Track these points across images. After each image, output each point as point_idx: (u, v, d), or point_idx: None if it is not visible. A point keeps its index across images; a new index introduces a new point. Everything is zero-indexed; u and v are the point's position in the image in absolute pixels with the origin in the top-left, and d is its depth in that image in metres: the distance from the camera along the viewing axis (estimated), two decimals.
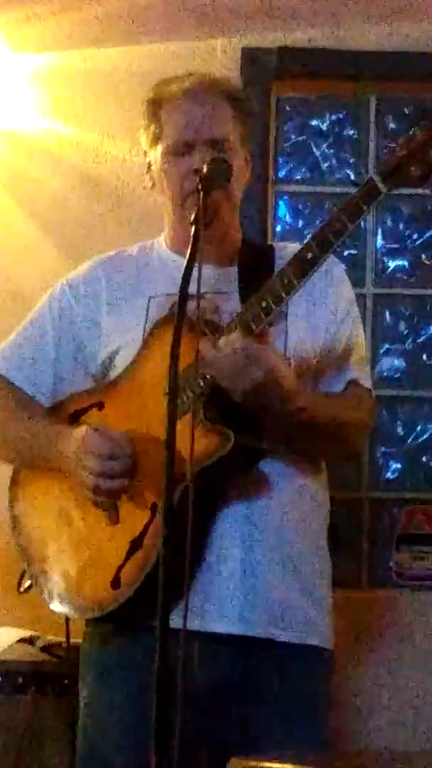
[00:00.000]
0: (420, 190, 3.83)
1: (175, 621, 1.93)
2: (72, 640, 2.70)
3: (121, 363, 2.51)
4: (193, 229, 2.22)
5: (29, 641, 3.19)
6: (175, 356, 2.02)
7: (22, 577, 2.55)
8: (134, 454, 2.36)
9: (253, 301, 2.32)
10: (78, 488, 2.43)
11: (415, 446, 3.91)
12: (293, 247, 2.46)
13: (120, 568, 2.37)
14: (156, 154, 2.54)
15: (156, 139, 2.53)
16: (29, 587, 2.54)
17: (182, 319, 2.06)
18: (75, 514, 2.47)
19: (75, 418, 2.50)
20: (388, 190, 2.27)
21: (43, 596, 2.51)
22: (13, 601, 3.43)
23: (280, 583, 2.42)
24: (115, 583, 2.37)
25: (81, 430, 2.40)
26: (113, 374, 2.53)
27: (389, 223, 3.93)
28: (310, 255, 2.30)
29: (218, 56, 3.70)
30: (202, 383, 2.31)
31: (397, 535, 3.81)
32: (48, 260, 3.63)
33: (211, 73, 2.75)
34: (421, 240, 3.93)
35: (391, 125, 3.92)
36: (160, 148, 2.52)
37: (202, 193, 2.29)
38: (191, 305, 2.25)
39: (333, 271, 2.57)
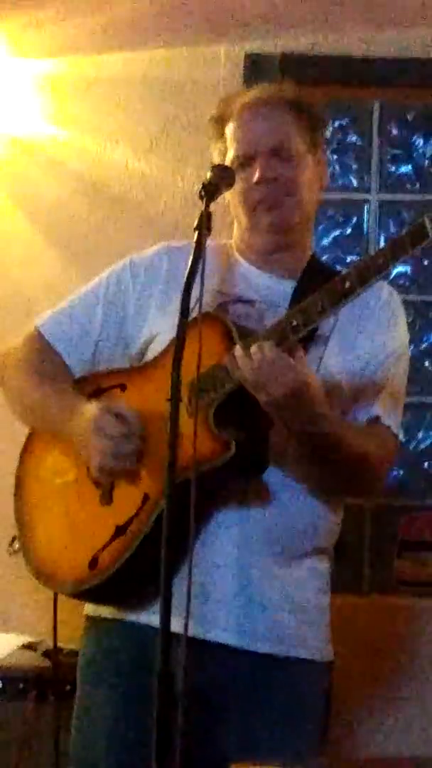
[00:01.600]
0: (420, 196, 3.90)
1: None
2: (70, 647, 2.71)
3: (155, 349, 2.50)
4: (195, 235, 2.22)
5: (31, 647, 3.19)
6: (177, 360, 2.02)
7: (14, 539, 2.55)
8: (143, 436, 2.36)
9: (284, 317, 2.31)
10: (81, 463, 2.43)
11: (416, 453, 3.90)
12: None
13: (100, 550, 2.37)
14: None
15: (223, 156, 2.54)
16: (18, 550, 2.54)
17: (185, 319, 2.07)
18: (72, 488, 2.47)
19: (96, 395, 2.49)
20: None
21: (27, 563, 2.51)
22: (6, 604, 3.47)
23: (273, 597, 2.41)
24: (93, 564, 2.38)
25: (92, 408, 2.40)
26: (146, 359, 2.53)
27: (392, 228, 3.93)
28: (348, 284, 2.26)
29: (222, 63, 3.70)
30: (219, 387, 2.30)
31: (399, 542, 3.81)
32: (50, 265, 3.64)
33: (275, 83, 2.73)
34: None
35: (394, 131, 3.93)
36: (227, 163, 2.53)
37: (205, 200, 2.27)
38: (235, 310, 2.41)
39: (393, 303, 2.57)
